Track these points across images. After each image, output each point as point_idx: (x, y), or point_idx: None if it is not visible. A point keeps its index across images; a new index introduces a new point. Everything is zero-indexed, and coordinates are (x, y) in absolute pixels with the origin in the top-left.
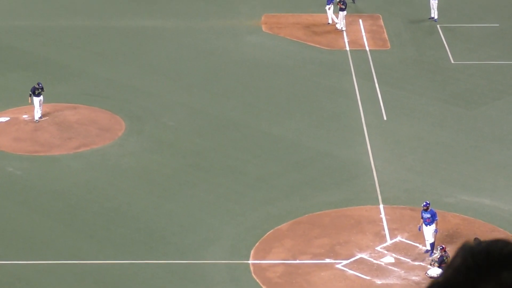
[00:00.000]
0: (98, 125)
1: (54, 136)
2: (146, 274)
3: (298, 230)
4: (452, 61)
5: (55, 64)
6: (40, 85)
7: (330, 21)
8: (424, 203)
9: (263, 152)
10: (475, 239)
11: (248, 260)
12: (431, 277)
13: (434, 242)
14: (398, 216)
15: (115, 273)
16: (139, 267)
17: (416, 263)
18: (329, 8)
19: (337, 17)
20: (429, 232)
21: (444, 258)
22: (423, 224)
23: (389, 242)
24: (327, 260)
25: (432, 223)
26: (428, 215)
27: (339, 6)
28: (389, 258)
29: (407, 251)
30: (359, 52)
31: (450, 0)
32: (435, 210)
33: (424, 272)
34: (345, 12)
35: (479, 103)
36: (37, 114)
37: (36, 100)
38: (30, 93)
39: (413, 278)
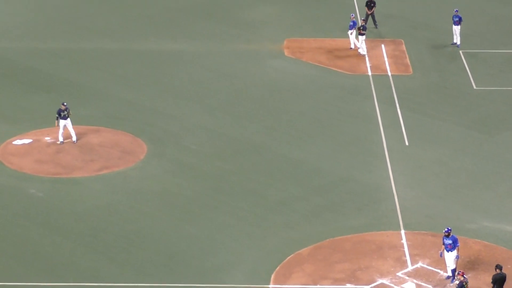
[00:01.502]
0: (120, 148)
1: (76, 158)
2: None
3: (318, 255)
4: (475, 87)
5: (77, 87)
6: (65, 105)
7: (352, 46)
8: (446, 229)
9: (284, 176)
10: (497, 265)
11: (269, 284)
12: None
13: (456, 268)
14: (419, 241)
15: None
16: None
17: None
18: (351, 33)
19: (356, 41)
20: (450, 258)
21: (464, 284)
22: (445, 250)
23: (410, 267)
24: (348, 285)
25: (454, 249)
26: (450, 241)
27: (359, 31)
28: (410, 284)
29: (428, 277)
30: (381, 77)
31: (473, 26)
32: (457, 236)
33: None
34: (364, 37)
35: (501, 129)
36: (61, 138)
37: (62, 123)
38: (57, 115)
39: None
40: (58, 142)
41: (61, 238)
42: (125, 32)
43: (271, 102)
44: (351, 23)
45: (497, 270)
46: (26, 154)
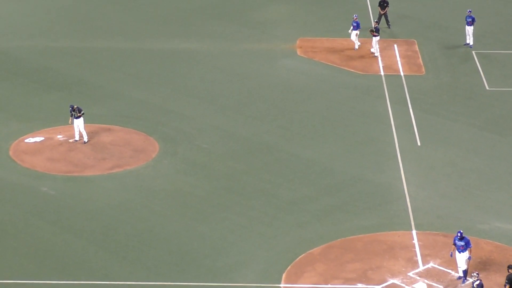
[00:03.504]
0: (132, 147)
1: (88, 156)
2: None
3: (330, 255)
4: (487, 87)
5: (90, 85)
6: (72, 107)
7: (356, 47)
8: (458, 234)
9: (296, 175)
10: (509, 266)
11: (280, 283)
12: None
13: (467, 269)
14: (431, 242)
15: None
16: None
17: None
18: (356, 34)
19: (357, 41)
20: (462, 259)
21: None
22: (457, 251)
23: (421, 268)
24: (359, 285)
25: (465, 251)
26: (462, 243)
27: (371, 33)
28: (421, 284)
29: (440, 277)
30: (393, 77)
31: (486, 26)
32: (468, 236)
33: None
34: (378, 38)
35: None
36: (77, 136)
37: (75, 122)
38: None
39: None
40: (71, 140)
41: (73, 237)
42: (138, 32)
43: (283, 102)
44: (354, 24)
45: (510, 270)
46: (38, 152)
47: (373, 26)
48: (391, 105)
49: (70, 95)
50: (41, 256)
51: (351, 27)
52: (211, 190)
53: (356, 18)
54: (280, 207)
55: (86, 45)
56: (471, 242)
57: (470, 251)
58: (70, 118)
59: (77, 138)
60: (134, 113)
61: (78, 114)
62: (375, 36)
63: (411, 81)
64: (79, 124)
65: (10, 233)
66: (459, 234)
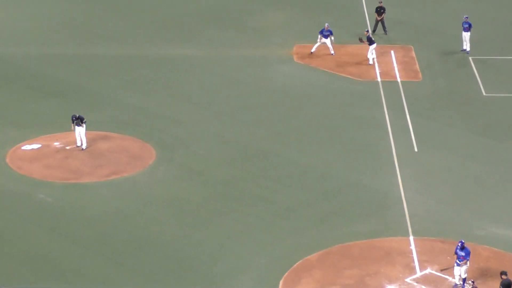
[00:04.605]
0: (129, 153)
1: (85, 163)
2: None
3: (327, 261)
4: (484, 93)
5: (87, 92)
6: (74, 117)
7: (313, 50)
8: (459, 244)
9: (292, 181)
10: (503, 272)
11: None
12: None
13: (466, 277)
14: (428, 248)
15: None
16: None
17: None
18: (320, 40)
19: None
20: (462, 270)
21: None
22: (456, 261)
23: (418, 274)
24: None
25: (464, 261)
26: (463, 254)
27: (360, 41)
28: None
29: (437, 284)
30: (390, 83)
31: (482, 32)
32: (466, 243)
33: None
34: (374, 45)
35: (510, 136)
36: (78, 142)
37: (77, 129)
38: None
39: None
40: (68, 147)
41: (70, 244)
42: (134, 38)
43: (280, 107)
44: (327, 32)
45: (503, 276)
46: (35, 159)
47: (365, 34)
48: (388, 111)
49: (67, 101)
50: (38, 263)
51: (319, 36)
52: (208, 197)
53: (328, 27)
54: (277, 213)
55: (82, 52)
56: (469, 248)
57: (466, 263)
58: (72, 124)
59: (78, 144)
60: (130, 119)
61: (81, 124)
62: (371, 44)
63: (408, 87)
64: (80, 131)
65: (7, 240)
66: (459, 244)
